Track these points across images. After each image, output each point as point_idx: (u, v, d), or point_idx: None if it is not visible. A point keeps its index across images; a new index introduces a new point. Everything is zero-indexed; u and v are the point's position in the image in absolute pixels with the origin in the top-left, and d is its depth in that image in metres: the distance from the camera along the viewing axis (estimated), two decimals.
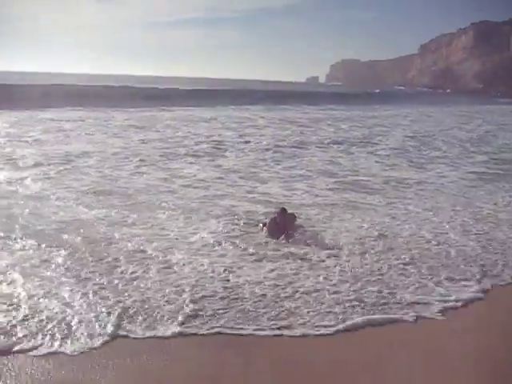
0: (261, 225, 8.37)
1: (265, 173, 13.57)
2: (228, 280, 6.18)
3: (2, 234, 7.40)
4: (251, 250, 7.28)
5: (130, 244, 7.23)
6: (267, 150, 17.53)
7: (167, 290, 5.76)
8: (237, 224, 8.55)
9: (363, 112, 39.29)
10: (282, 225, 8.02)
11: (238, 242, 7.62)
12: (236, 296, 5.74)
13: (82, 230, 7.74)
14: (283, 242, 7.74)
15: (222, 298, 5.66)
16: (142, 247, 7.13)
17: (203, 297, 5.65)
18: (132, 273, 6.23)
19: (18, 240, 7.17)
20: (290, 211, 8.41)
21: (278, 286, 6.07)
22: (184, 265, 6.56)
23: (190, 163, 14.48)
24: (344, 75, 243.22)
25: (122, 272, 6.24)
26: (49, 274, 6.06)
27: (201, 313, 5.29)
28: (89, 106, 30.90)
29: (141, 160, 14.44)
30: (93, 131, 20.75)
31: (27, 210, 8.70)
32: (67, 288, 5.68)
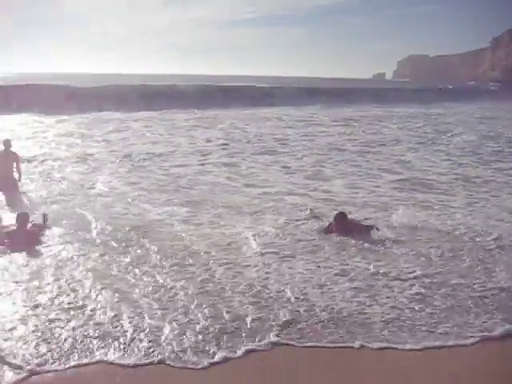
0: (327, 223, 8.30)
1: (329, 171, 13.47)
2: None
3: (76, 232, 7.69)
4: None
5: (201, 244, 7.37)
6: (331, 149, 17.38)
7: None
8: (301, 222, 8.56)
9: (434, 109, 37.59)
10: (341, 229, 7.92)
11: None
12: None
13: (153, 229, 7.98)
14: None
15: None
16: (208, 249, 7.17)
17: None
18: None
19: (94, 242, 7.32)
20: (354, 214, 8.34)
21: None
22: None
23: (253, 161, 14.69)
24: (411, 71, 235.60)
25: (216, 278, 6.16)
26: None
27: None
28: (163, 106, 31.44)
29: (205, 158, 14.80)
30: (161, 131, 21.44)
31: (98, 207, 9.17)
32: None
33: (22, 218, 7.25)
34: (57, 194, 10.12)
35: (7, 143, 10.34)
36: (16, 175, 10.38)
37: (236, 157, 15.31)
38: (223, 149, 16.85)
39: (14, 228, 7.14)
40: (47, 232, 7.55)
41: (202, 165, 14.04)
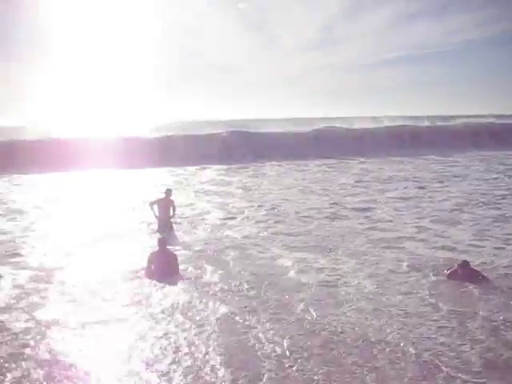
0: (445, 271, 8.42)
1: (463, 215, 13.24)
2: None
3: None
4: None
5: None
6: (471, 193, 16.74)
7: None
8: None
9: None
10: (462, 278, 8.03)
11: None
12: None
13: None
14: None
15: None
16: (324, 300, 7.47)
17: None
18: None
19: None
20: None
21: None
22: None
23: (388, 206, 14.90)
24: None
25: None
26: None
27: None
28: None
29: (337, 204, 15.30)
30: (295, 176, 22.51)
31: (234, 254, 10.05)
32: None
33: (163, 241, 9.11)
34: (200, 239, 11.38)
35: (169, 192, 12.27)
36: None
37: (371, 202, 15.57)
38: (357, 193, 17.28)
39: (157, 249, 9.04)
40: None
41: (332, 208, 14.67)
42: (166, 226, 11.93)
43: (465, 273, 8.03)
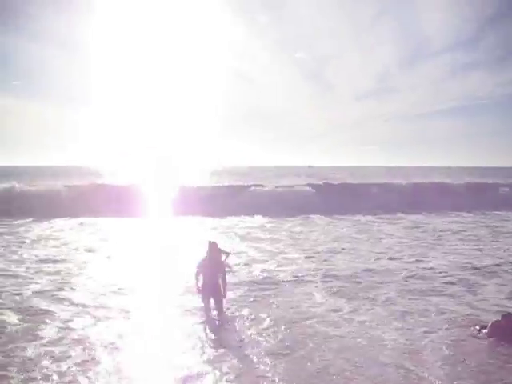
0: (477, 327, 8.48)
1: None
2: None
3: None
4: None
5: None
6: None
7: None
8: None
9: None
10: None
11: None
12: None
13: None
14: None
15: None
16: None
17: None
18: None
19: None
20: None
21: None
22: None
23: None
24: None
25: None
26: None
27: None
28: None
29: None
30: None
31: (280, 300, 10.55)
32: None
33: (213, 245, 9.43)
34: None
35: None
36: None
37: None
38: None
39: (206, 254, 9.39)
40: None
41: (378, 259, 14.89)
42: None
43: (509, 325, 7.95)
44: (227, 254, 10.11)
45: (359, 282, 12.06)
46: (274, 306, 10.11)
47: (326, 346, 7.86)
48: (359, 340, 8.17)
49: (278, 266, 14.01)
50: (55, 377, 6.62)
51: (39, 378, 6.57)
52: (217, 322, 9.16)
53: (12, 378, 6.55)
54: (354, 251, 16.26)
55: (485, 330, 8.23)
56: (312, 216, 26.15)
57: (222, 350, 7.67)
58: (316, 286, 11.67)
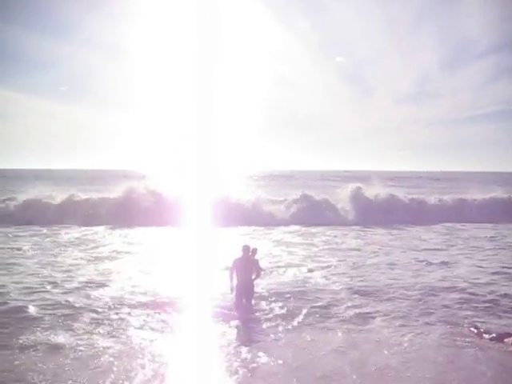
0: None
1: None
2: None
3: None
4: None
5: None
6: None
7: None
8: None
9: None
10: None
11: None
12: None
13: None
14: None
15: None
16: None
17: None
18: None
19: None
20: None
21: None
22: None
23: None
24: None
25: None
26: None
27: None
28: None
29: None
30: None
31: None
32: None
33: (246, 248, 10.21)
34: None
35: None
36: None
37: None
38: None
39: (240, 256, 10.18)
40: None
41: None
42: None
43: None
44: (260, 269, 10.79)
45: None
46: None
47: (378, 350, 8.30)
48: None
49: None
50: None
51: None
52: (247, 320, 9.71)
53: None
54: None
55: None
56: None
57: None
58: None
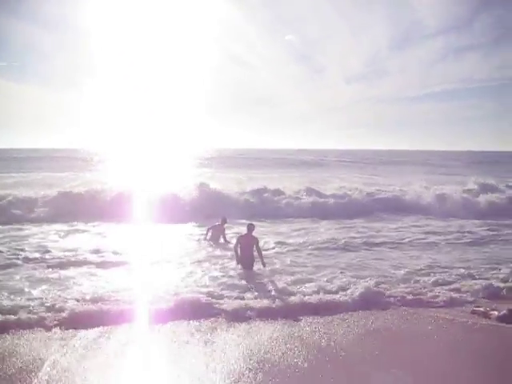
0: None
1: None
2: None
3: None
4: None
5: None
6: None
7: None
8: None
9: None
10: None
11: None
12: None
13: None
14: None
15: None
16: None
17: None
18: None
19: None
20: None
21: None
22: None
23: None
24: None
25: None
26: None
27: None
28: None
29: None
30: None
31: None
32: None
33: (251, 226, 11.84)
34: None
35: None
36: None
37: None
38: None
39: (245, 233, 12.01)
40: None
41: None
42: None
43: None
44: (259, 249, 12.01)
45: None
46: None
47: None
48: None
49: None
50: None
51: None
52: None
53: None
54: None
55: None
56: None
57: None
58: None
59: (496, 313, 8.77)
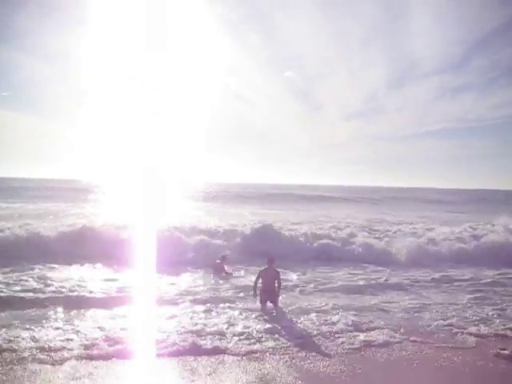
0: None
1: None
2: None
3: None
4: None
5: None
6: None
7: None
8: None
9: None
10: None
11: None
12: None
13: None
14: None
15: None
16: None
17: None
18: None
19: None
20: None
21: None
22: None
23: None
24: None
25: None
26: None
27: None
28: None
29: None
30: None
31: None
32: None
33: (271, 259, 11.55)
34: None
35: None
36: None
37: None
38: None
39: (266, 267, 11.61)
40: None
41: None
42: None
43: None
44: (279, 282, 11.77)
45: None
46: None
47: None
48: None
49: None
50: None
51: None
52: (273, 314, 10.84)
53: None
54: None
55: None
56: None
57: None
58: None
59: None
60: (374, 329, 9.91)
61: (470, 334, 9.63)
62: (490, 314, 11.43)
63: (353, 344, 9.00)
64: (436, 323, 10.47)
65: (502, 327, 10.12)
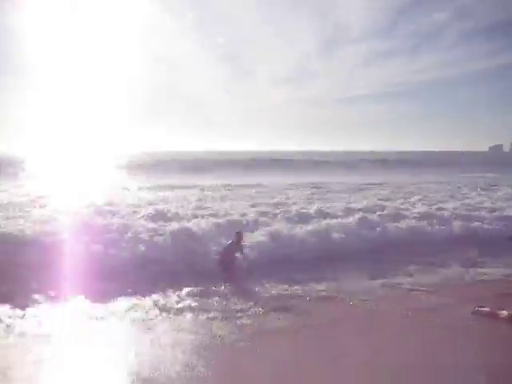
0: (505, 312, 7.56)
1: None
2: None
3: None
4: None
5: None
6: None
7: None
8: None
9: None
10: None
11: None
12: None
13: None
14: None
15: None
16: None
17: None
18: None
19: None
20: None
21: None
22: None
23: None
24: None
25: None
26: None
27: None
28: None
29: None
30: None
31: None
32: None
33: (239, 234, 11.65)
34: None
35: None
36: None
37: None
38: None
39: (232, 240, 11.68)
40: None
41: None
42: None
43: None
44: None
45: None
46: None
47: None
48: None
49: None
50: None
51: None
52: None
53: None
54: None
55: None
56: None
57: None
58: None
59: (505, 312, 7.54)
60: None
61: None
62: None
63: None
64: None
65: None
